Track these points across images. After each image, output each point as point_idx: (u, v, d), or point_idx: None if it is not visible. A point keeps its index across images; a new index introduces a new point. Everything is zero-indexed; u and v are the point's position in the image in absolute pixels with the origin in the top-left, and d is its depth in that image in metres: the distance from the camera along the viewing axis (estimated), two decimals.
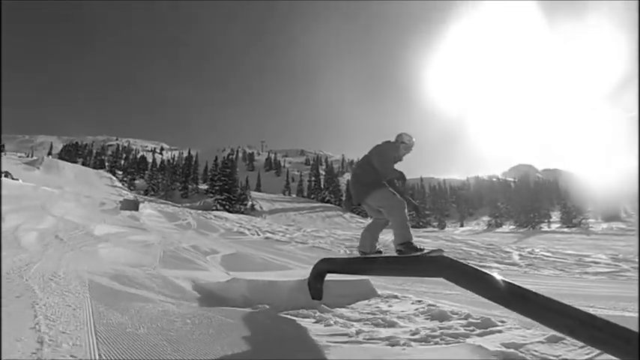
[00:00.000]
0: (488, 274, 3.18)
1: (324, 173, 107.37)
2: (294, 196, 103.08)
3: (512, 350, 3.26)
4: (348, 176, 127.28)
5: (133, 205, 29.84)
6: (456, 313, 4.49)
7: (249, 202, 71.44)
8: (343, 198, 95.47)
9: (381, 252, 5.72)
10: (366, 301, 5.34)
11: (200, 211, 38.23)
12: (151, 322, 3.64)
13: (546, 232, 49.25)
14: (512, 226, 72.84)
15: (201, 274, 7.12)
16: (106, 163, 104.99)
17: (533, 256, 13.73)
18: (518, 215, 74.44)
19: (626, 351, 2.20)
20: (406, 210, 4.99)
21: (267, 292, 5.16)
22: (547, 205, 78.44)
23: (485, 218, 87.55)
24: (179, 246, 11.81)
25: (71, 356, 2.67)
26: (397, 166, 5.42)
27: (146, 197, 54.99)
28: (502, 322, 4.04)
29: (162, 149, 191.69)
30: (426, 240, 20.40)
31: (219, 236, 18.70)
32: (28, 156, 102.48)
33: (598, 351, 2.84)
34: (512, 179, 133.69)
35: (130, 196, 41.68)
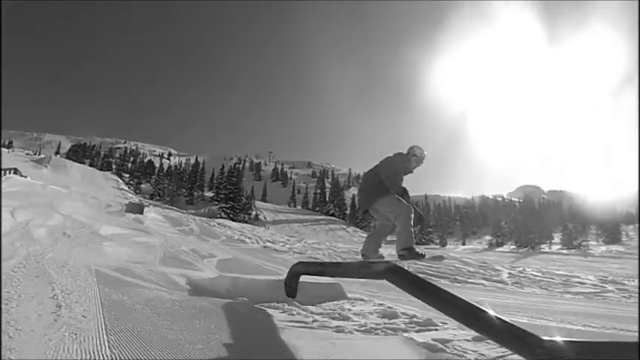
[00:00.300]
0: (423, 280, 4.01)
1: (329, 186, 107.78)
2: (299, 207, 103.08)
3: (437, 344, 3.85)
4: (354, 190, 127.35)
5: (138, 209, 30.54)
6: (405, 314, 5.20)
7: (254, 212, 71.93)
8: (348, 212, 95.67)
9: (383, 257, 5.79)
10: (334, 302, 6.02)
11: (204, 218, 38.79)
12: (145, 301, 4.47)
13: (545, 252, 50.30)
14: (512, 246, 73.14)
15: (196, 273, 7.84)
16: (113, 166, 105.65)
17: (522, 275, 14.11)
18: (519, 236, 74.71)
19: (503, 339, 3.01)
20: (412, 216, 5.17)
21: (248, 287, 5.96)
22: (550, 227, 78.48)
23: (488, 237, 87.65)
24: (179, 249, 12.44)
25: (82, 316, 3.53)
26: (406, 179, 5.69)
27: (151, 202, 55.39)
28: (444, 322, 4.62)
29: (170, 154, 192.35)
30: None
31: (220, 243, 19.41)
32: (35, 154, 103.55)
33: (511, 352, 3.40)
34: (517, 199, 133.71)
35: (136, 199, 42.21)
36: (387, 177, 5.36)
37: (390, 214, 5.34)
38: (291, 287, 5.93)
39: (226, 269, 9.43)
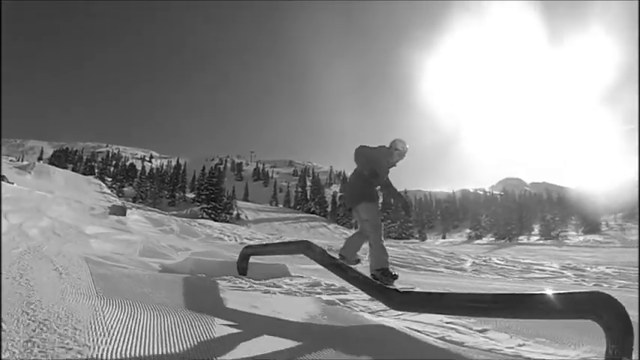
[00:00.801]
0: (327, 253, 5.71)
1: (310, 185, 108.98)
2: (280, 206, 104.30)
3: (338, 302, 5.27)
4: (335, 188, 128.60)
5: (121, 211, 31.70)
6: (327, 283, 6.72)
7: (235, 212, 72.89)
8: (329, 209, 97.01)
9: (359, 260, 6.17)
10: (278, 278, 7.50)
11: (185, 219, 39.93)
12: (125, 275, 6.07)
13: (522, 243, 51.28)
14: (491, 239, 74.83)
15: (169, 261, 9.37)
16: (96, 170, 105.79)
17: (485, 263, 14.57)
18: (498, 228, 76.41)
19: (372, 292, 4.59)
20: (382, 231, 5.50)
21: (207, 267, 7.60)
22: (530, 219, 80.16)
23: (469, 231, 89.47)
24: (158, 244, 13.86)
25: (78, 278, 5.15)
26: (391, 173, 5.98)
27: (134, 204, 56.25)
28: (356, 290, 5.66)
29: (151, 157, 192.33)
30: (392, 248, 22.48)
31: (198, 240, 20.75)
32: (19, 160, 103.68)
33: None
34: (498, 193, 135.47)
35: (119, 202, 43.20)
36: (371, 173, 5.55)
37: (365, 223, 5.65)
38: (242, 267, 7.61)
39: None
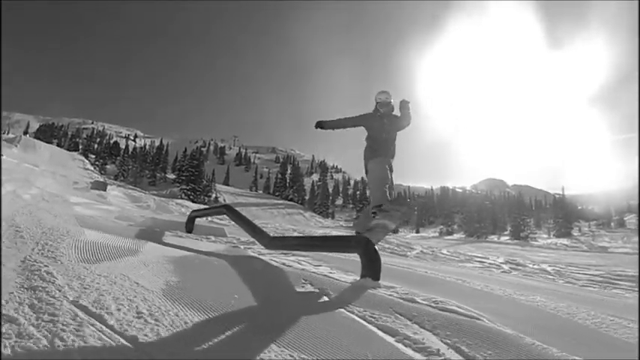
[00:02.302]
0: (239, 213, 8.80)
1: (289, 172, 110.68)
2: (260, 192, 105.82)
3: (241, 246, 8.41)
4: (315, 177, 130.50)
5: (102, 186, 34.32)
6: (246, 240, 9.71)
7: (214, 195, 74.31)
8: (307, 197, 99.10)
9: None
10: (215, 236, 10.55)
11: (164, 198, 42.35)
12: (102, 225, 9.02)
13: (489, 242, 52.12)
14: (462, 235, 77.20)
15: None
16: (80, 146, 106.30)
17: (430, 252, 15.39)
18: (469, 226, 78.69)
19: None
20: (382, 181, 5.75)
21: (162, 224, 10.74)
22: (506, 219, 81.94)
23: (442, 226, 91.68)
24: (131, 214, 16.27)
25: (67, 219, 8.18)
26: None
27: (115, 182, 58.11)
28: (317, 263, 7.62)
29: (136, 136, 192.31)
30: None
31: (171, 216, 23.49)
32: (5, 133, 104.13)
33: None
34: (478, 191, 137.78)
35: (101, 179, 44.99)
36: (368, 136, 5.96)
37: (369, 176, 6.03)
38: (188, 226, 10.71)
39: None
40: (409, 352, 2.87)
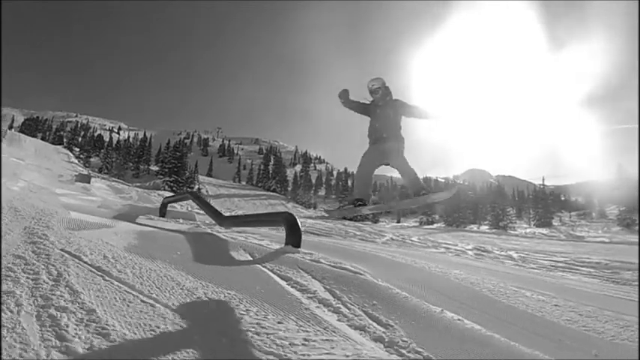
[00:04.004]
0: (204, 200, 10.41)
1: (272, 163, 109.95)
2: (243, 183, 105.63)
3: (202, 225, 10.03)
4: (298, 167, 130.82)
5: (86, 179, 35.46)
6: (210, 222, 11.32)
7: (197, 186, 73.85)
8: (290, 188, 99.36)
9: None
10: (183, 219, 12.16)
11: (147, 190, 43.44)
12: (85, 209, 10.52)
13: (466, 231, 52.38)
14: (441, 225, 77.90)
15: None
16: (64, 140, 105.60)
17: (400, 239, 15.86)
18: (449, 215, 79.22)
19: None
20: (361, 174, 5.62)
21: (139, 210, 12.29)
22: (487, 209, 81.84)
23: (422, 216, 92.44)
24: (113, 204, 17.78)
25: (55, 204, 9.67)
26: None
27: (99, 175, 58.61)
28: (261, 238, 9.35)
29: (120, 129, 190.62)
30: (326, 223, 25.99)
31: (152, 206, 24.91)
32: None
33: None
34: (461, 182, 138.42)
35: (85, 172, 45.83)
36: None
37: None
38: (162, 211, 12.26)
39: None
40: (292, 290, 4.25)
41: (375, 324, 3.52)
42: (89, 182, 34.59)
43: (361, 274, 4.98)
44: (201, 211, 12.09)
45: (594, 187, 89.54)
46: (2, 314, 2.73)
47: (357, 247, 9.71)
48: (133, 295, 3.47)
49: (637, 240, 31.29)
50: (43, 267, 3.92)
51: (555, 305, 4.87)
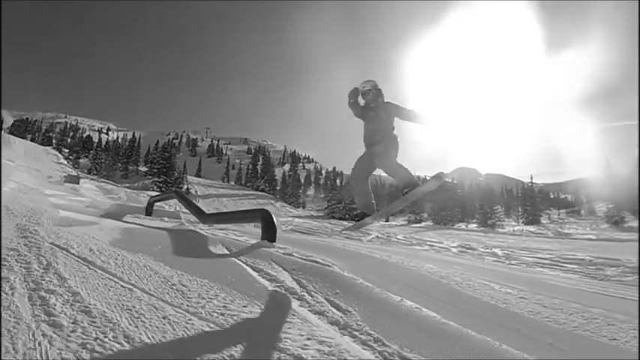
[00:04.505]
0: (185, 196, 10.84)
1: (261, 162, 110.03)
2: (232, 183, 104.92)
3: (185, 222, 10.44)
4: (287, 167, 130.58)
5: (75, 180, 35.60)
6: (193, 220, 11.73)
7: (185, 186, 73.46)
8: (278, 188, 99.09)
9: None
10: (169, 217, 12.56)
11: (135, 191, 43.68)
12: (73, 208, 10.90)
13: (455, 229, 52.07)
14: (430, 223, 77.88)
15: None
16: (54, 141, 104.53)
17: (385, 238, 16.21)
18: (437, 213, 79.23)
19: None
20: (356, 182, 5.48)
21: (127, 210, 12.65)
22: (475, 206, 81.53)
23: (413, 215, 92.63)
24: (101, 204, 18.16)
25: (44, 203, 10.06)
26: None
27: (88, 175, 58.48)
28: (241, 234, 10.13)
29: (109, 129, 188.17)
30: (313, 222, 26.69)
31: (139, 205, 25.24)
32: None
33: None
34: (450, 180, 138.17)
35: (74, 172, 45.86)
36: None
37: None
38: (149, 210, 12.65)
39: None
40: (261, 279, 4.67)
41: (334, 309, 3.83)
42: (78, 183, 34.75)
43: (329, 266, 5.37)
44: (187, 210, 12.55)
45: (583, 184, 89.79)
46: None
47: (336, 244, 9.93)
48: (114, 281, 3.89)
49: (624, 237, 31.53)
50: (34, 257, 4.32)
51: (522, 298, 5.11)
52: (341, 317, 3.64)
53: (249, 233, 9.15)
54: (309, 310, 3.79)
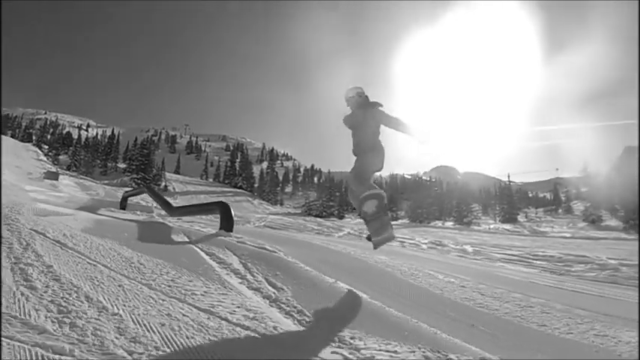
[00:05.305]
0: (155, 191, 11.54)
1: (239, 160, 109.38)
2: (210, 180, 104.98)
3: (157, 217, 11.13)
4: (265, 165, 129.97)
5: (54, 176, 35.65)
6: (163, 214, 12.40)
7: (163, 183, 74.52)
8: (256, 185, 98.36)
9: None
10: (142, 211, 13.21)
11: (114, 188, 43.89)
12: (51, 202, 11.51)
13: (430, 226, 52.79)
14: (406, 221, 77.89)
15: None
16: (34, 137, 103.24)
17: (357, 234, 16.25)
18: (414, 211, 79.23)
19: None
20: (355, 186, 5.11)
21: (103, 204, 13.30)
22: (452, 205, 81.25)
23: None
24: (79, 199, 18.53)
25: (25, 197, 10.67)
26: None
27: (67, 172, 58.18)
28: (205, 226, 11.03)
29: (88, 126, 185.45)
30: (287, 218, 27.31)
31: (114, 200, 25.65)
32: None
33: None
34: (428, 179, 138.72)
35: (53, 169, 45.82)
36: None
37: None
38: (123, 204, 13.29)
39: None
40: (211, 262, 5.33)
41: (269, 287, 4.38)
42: (57, 179, 34.89)
43: (276, 252, 5.98)
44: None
45: (562, 183, 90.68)
46: None
47: (297, 237, 10.67)
48: (82, 258, 4.61)
49: (599, 235, 32.28)
50: (15, 240, 5.01)
51: (462, 286, 5.35)
52: (274, 293, 4.14)
53: (215, 226, 9.74)
54: (247, 287, 4.32)
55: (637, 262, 9.78)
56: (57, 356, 2.31)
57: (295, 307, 3.73)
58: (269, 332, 3.07)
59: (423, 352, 2.94)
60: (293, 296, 4.09)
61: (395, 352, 2.90)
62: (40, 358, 2.28)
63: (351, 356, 2.76)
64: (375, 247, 5.29)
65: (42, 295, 3.31)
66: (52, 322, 2.80)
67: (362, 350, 2.87)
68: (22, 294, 3.26)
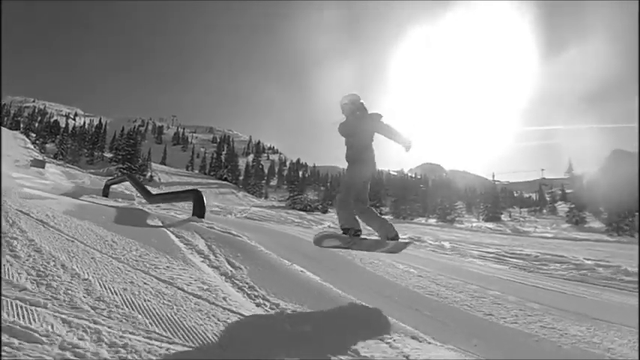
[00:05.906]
0: (143, 186, 12.03)
1: (225, 152, 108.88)
2: (196, 172, 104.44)
3: (138, 205, 11.65)
4: (251, 157, 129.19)
5: (41, 164, 35.78)
6: (144, 202, 12.92)
7: (149, 173, 73.85)
8: (241, 177, 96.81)
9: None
10: (124, 199, 13.70)
11: (99, 177, 43.95)
12: (36, 188, 11.99)
13: (412, 223, 51.61)
14: (390, 217, 77.71)
15: None
16: (22, 125, 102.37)
17: (336, 227, 16.68)
18: (397, 208, 79.15)
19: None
20: (341, 198, 4.86)
21: (86, 190, 13.81)
22: (436, 202, 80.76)
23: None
24: (64, 187, 18.99)
25: (14, 183, 11.13)
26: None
27: (54, 160, 58.00)
28: (181, 213, 12.13)
29: (76, 115, 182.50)
30: (268, 211, 27.66)
31: (98, 188, 25.95)
32: None
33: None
34: (413, 175, 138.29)
35: (40, 157, 45.75)
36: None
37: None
38: (105, 192, 13.77)
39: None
40: (179, 243, 5.93)
41: (228, 266, 4.89)
42: (44, 167, 35.00)
43: (240, 237, 6.53)
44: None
45: (548, 184, 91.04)
46: None
47: (271, 227, 11.24)
48: (61, 235, 5.19)
49: (581, 237, 31.77)
50: (2, 218, 5.52)
51: (419, 276, 5.45)
52: (231, 271, 4.60)
53: (189, 214, 10.27)
54: (207, 265, 4.85)
55: (630, 264, 9.18)
56: (33, 307, 2.82)
57: (247, 284, 4.18)
58: (219, 302, 3.50)
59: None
60: (248, 274, 4.53)
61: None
62: (18, 308, 2.78)
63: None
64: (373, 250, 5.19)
65: (24, 262, 3.84)
66: (32, 282, 3.33)
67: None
68: (8, 261, 3.79)
